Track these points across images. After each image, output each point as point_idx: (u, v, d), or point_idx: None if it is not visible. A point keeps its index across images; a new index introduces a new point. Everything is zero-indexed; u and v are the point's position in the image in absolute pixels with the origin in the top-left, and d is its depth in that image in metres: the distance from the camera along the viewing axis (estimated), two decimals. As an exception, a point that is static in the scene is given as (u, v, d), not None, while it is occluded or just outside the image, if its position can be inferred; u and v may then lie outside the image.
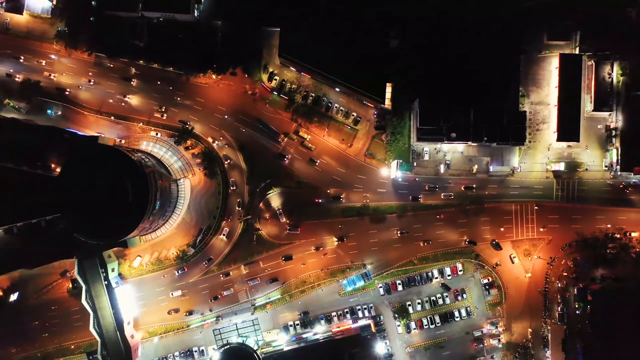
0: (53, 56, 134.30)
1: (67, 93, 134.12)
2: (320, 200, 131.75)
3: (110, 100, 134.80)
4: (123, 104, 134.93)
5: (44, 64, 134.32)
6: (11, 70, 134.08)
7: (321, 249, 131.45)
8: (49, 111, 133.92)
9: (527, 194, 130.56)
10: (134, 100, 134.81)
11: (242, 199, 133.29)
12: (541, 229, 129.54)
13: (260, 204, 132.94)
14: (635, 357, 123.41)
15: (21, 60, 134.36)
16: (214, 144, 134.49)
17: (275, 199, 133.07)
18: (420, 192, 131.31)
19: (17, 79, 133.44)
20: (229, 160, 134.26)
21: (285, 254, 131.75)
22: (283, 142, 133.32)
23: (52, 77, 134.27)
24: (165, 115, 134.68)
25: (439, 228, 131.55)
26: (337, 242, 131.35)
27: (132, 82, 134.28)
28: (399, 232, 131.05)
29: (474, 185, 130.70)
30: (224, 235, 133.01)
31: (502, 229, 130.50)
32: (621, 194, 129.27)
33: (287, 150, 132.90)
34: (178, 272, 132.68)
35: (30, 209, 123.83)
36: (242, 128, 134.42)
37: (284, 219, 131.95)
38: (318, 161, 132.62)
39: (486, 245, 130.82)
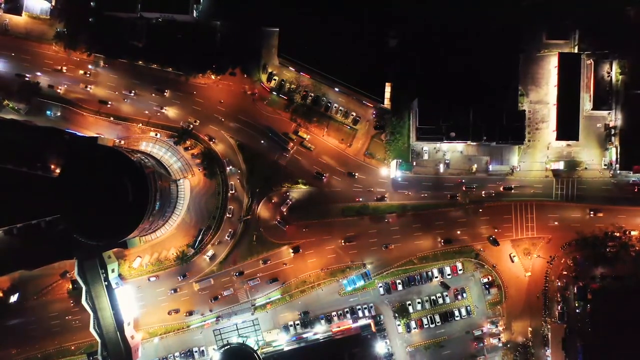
0: (91, 66, 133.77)
1: (109, 105, 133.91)
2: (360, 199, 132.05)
3: (147, 112, 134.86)
4: (158, 113, 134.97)
5: (88, 75, 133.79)
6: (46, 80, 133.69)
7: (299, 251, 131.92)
8: (48, 112, 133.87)
9: (526, 193, 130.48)
10: (170, 112, 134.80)
11: (242, 199, 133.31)
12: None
13: (260, 204, 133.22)
14: (636, 355, 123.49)
15: (64, 70, 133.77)
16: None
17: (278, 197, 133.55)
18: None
19: (58, 91, 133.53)
20: (230, 167, 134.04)
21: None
22: (292, 150, 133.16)
23: (88, 88, 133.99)
24: (197, 122, 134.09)
25: (438, 228, 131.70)
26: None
27: (165, 93, 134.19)
28: (383, 246, 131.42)
29: (512, 186, 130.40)
30: (207, 256, 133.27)
31: (496, 230, 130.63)
32: (621, 193, 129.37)
33: (324, 169, 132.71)
34: (180, 278, 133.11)
35: (30, 210, 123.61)
36: (242, 128, 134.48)
37: (286, 208, 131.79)
38: (325, 175, 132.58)
39: (486, 245, 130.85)
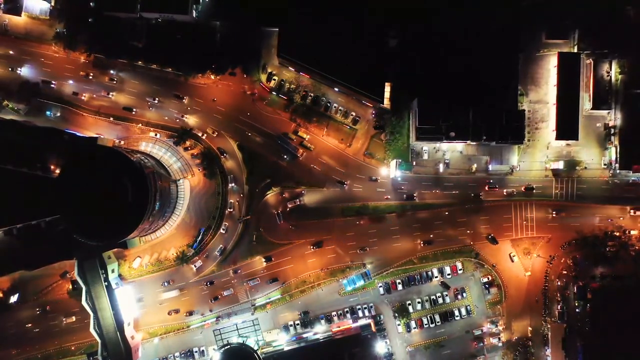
0: (113, 71, 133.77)
1: (134, 112, 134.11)
2: None
3: (166, 117, 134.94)
4: (177, 119, 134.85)
5: (115, 82, 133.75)
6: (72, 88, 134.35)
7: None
8: (48, 112, 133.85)
9: (526, 193, 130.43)
10: (190, 120, 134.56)
11: (241, 200, 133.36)
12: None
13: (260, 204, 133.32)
14: (636, 355, 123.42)
15: (90, 77, 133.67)
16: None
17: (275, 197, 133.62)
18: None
19: (82, 98, 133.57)
20: (232, 185, 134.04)
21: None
22: (302, 157, 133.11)
23: (110, 95, 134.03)
24: (215, 133, 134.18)
25: (438, 227, 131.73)
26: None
27: (184, 100, 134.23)
28: (359, 249, 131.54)
29: (534, 186, 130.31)
30: (194, 265, 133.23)
31: (491, 233, 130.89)
32: (621, 192, 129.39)
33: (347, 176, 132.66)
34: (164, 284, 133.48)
35: (29, 211, 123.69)
36: (241, 128, 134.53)
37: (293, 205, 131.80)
38: (347, 182, 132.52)
39: (486, 244, 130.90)
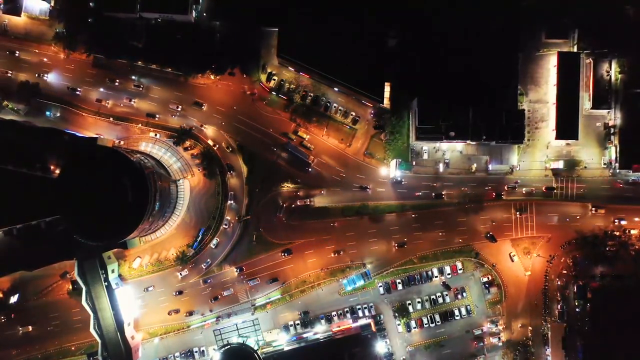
0: (134, 77, 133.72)
1: (156, 118, 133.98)
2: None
3: (200, 124, 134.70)
4: (192, 129, 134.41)
5: (141, 89, 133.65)
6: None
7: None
8: (47, 113, 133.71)
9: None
10: (209, 130, 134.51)
11: (241, 200, 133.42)
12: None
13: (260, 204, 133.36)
14: (636, 354, 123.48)
15: (116, 83, 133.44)
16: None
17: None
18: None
19: (106, 105, 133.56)
20: (231, 201, 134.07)
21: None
22: (313, 163, 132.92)
23: (132, 102, 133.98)
24: (229, 149, 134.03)
25: (438, 227, 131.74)
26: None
27: (203, 107, 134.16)
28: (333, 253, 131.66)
29: (555, 186, 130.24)
30: (179, 274, 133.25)
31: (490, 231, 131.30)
32: (621, 191, 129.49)
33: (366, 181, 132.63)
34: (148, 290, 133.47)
35: (29, 211, 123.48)
36: (241, 128, 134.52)
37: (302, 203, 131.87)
38: (369, 187, 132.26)
39: (486, 244, 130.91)
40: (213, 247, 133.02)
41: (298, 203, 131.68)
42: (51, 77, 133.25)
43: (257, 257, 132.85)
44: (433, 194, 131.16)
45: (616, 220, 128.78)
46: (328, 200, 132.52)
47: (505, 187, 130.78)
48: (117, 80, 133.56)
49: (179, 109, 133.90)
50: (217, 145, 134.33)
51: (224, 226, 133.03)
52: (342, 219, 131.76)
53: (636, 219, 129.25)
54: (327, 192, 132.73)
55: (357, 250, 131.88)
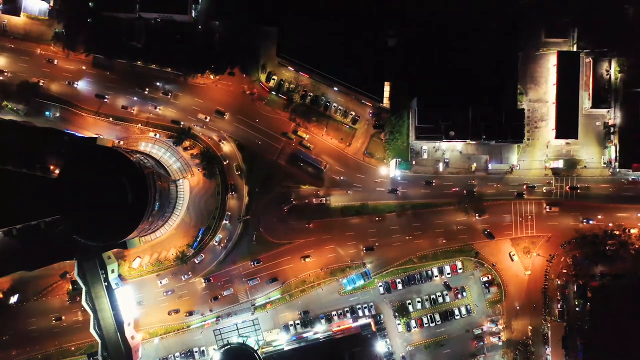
0: (159, 83, 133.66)
1: (181, 125, 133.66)
2: None
3: (218, 138, 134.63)
4: (219, 141, 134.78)
5: (170, 97, 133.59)
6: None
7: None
8: (47, 113, 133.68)
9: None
10: (226, 147, 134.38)
11: (241, 199, 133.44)
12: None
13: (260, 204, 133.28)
14: (636, 353, 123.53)
15: (146, 92, 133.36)
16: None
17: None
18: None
19: (132, 111, 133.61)
20: (226, 161, 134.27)
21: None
22: (325, 169, 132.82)
23: (157, 109, 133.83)
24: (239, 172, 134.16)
25: (437, 227, 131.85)
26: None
27: (224, 116, 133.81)
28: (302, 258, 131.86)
29: (578, 185, 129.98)
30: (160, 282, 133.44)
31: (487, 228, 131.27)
32: (621, 191, 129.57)
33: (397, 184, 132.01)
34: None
35: (29, 211, 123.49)
36: (241, 128, 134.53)
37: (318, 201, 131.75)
38: (399, 189, 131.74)
39: (485, 243, 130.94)
40: (216, 244, 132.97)
41: (314, 201, 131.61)
42: (81, 85, 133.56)
43: (257, 257, 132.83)
44: (515, 192, 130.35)
45: (584, 221, 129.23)
46: (347, 199, 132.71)
47: (524, 188, 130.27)
48: (147, 89, 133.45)
49: (207, 120, 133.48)
50: (227, 161, 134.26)
51: (215, 242, 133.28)
52: (341, 219, 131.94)
53: (599, 216, 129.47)
54: (352, 192, 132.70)
55: (403, 244, 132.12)
